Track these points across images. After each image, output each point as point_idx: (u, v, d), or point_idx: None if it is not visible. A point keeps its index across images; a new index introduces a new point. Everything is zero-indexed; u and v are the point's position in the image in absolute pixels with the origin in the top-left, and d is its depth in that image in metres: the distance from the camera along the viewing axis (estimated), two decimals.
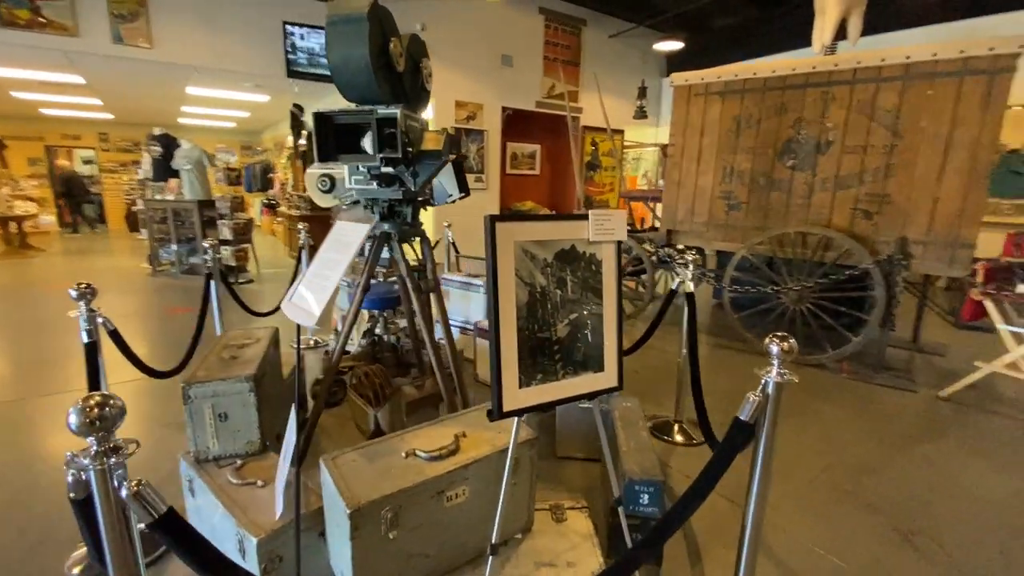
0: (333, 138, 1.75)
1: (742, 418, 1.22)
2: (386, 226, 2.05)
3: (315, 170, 3.00)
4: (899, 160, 3.37)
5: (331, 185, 2.90)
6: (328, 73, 6.11)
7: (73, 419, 0.78)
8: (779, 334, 1.21)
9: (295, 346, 2.88)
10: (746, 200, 4.02)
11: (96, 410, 0.78)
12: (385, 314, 3.09)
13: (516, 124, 7.82)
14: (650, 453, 1.78)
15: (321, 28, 5.79)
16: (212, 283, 2.85)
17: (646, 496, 1.70)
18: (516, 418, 1.35)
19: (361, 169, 1.93)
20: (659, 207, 4.88)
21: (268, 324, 2.48)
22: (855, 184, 3.54)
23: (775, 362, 1.20)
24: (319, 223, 7.40)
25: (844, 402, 3.08)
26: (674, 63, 8.75)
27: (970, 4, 5.59)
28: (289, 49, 5.71)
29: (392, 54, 1.72)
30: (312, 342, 3.78)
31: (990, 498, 2.13)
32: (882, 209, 3.46)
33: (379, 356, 3.09)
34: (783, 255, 3.77)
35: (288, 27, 5.63)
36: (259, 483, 1.65)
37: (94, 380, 1.83)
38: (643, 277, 4.66)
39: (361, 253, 2.22)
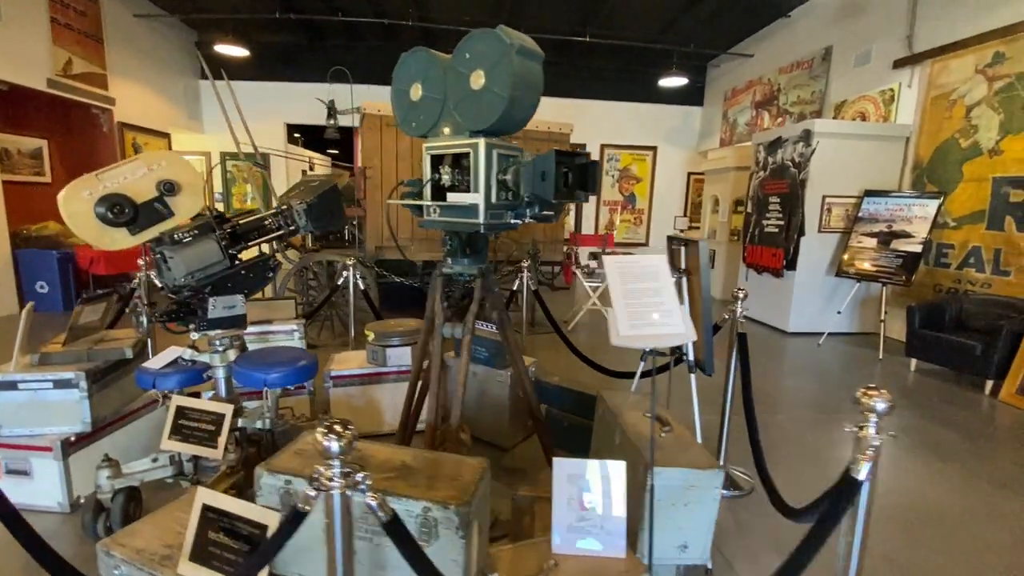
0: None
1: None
2: (466, 262, 1.82)
3: (88, 191, 1.85)
4: None
5: (134, 214, 1.94)
6: None
7: None
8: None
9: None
10: None
11: None
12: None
13: (12, 107, 5.15)
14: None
15: None
16: None
17: None
18: (694, 374, 2.01)
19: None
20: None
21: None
22: None
23: (739, 305, 2.47)
24: None
25: (536, 348, 4.66)
26: (216, 67, 7.91)
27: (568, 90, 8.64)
28: None
29: None
30: None
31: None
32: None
33: (248, 455, 2.17)
34: None
35: None
36: (551, 563, 1.47)
37: None
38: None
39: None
